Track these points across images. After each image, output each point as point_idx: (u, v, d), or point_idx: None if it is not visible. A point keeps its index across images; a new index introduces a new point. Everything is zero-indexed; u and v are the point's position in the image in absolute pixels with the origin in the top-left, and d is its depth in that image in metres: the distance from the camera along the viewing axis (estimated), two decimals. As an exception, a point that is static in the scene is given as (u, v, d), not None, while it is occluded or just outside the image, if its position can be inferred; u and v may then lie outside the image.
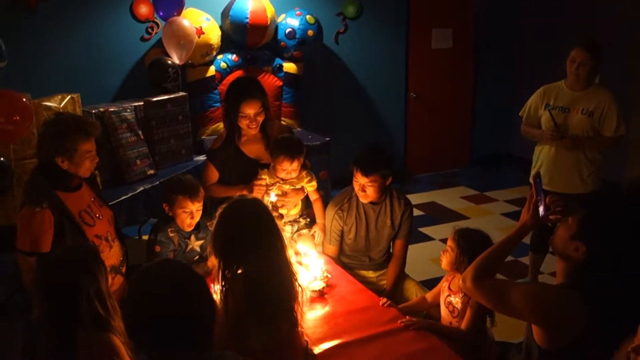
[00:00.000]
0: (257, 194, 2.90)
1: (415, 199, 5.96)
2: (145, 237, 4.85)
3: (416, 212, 5.56)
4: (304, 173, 3.10)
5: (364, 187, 2.81)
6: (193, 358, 1.22)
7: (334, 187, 5.30)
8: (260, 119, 3.04)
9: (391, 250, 3.09)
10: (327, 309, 2.45)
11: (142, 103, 4.23)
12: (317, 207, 3.20)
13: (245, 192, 2.92)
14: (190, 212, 2.67)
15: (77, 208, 2.44)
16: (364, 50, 6.10)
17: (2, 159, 2.97)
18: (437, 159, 6.88)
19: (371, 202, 2.93)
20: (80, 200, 2.48)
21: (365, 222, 2.95)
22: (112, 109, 3.97)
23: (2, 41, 3.13)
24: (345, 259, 3.06)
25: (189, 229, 2.73)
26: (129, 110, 4.09)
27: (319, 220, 3.17)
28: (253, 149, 3.15)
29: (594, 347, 1.80)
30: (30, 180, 2.45)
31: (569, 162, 3.49)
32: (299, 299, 1.94)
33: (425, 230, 5.15)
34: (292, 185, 3.05)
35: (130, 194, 3.80)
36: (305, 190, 3.13)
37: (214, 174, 3.17)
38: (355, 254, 3.03)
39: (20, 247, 2.38)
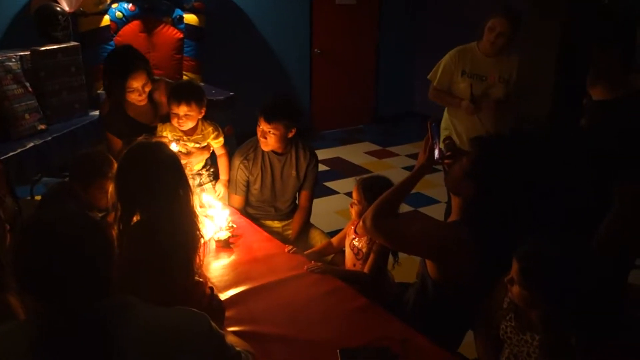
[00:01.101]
0: None
1: (320, 154, 5.94)
2: (39, 197, 4.61)
3: (321, 167, 5.62)
4: (210, 129, 3.03)
5: (265, 134, 2.79)
6: (87, 306, 1.17)
7: (238, 142, 5.23)
8: (148, 88, 2.93)
9: (297, 202, 3.12)
10: (232, 257, 2.45)
11: (29, 52, 3.93)
12: (222, 163, 3.15)
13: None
14: (106, 191, 2.48)
15: None
16: (267, 4, 6.00)
17: None
18: (342, 116, 6.99)
19: (276, 153, 2.93)
20: None
21: (271, 173, 2.96)
22: (-6, 58, 3.66)
23: None
24: (250, 210, 3.05)
25: (106, 206, 2.55)
26: (14, 60, 3.78)
27: (222, 176, 3.13)
28: (143, 116, 3.05)
29: (480, 280, 1.94)
30: None
31: (486, 129, 3.30)
32: (200, 249, 1.90)
33: (330, 184, 5.25)
34: (197, 143, 2.98)
35: (19, 150, 3.55)
36: (211, 148, 3.07)
37: (117, 142, 3.05)
38: (261, 205, 3.04)
39: None
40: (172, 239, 1.76)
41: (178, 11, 5.15)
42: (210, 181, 3.16)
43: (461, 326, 2.13)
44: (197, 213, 1.94)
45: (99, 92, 4.92)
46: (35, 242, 1.18)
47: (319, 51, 6.51)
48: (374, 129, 7.09)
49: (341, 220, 4.48)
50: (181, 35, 5.18)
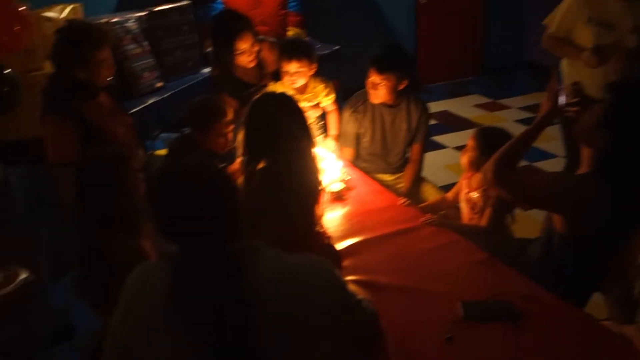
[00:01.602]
0: None
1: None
2: (158, 152, 4.88)
3: (430, 122, 5.49)
4: (321, 86, 3.02)
5: (376, 86, 2.73)
6: (217, 247, 1.21)
7: (344, 97, 5.20)
8: (256, 48, 2.94)
9: (407, 155, 3.05)
10: (346, 209, 2.45)
11: (145, 13, 4.09)
12: (332, 119, 3.14)
13: None
14: (225, 135, 2.56)
15: (98, 116, 2.40)
16: (372, -47, 5.82)
17: (10, 71, 2.89)
18: (449, 68, 6.71)
19: (387, 105, 2.86)
20: (100, 109, 2.44)
21: (381, 125, 2.90)
22: (114, 20, 3.85)
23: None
24: (361, 163, 3.03)
25: (223, 151, 2.60)
26: (132, 21, 3.96)
27: (332, 132, 3.13)
28: (250, 76, 3.09)
29: (613, 233, 1.80)
30: (48, 89, 2.40)
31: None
32: (321, 199, 1.92)
33: (438, 138, 5.10)
34: (309, 101, 2.99)
35: (140, 107, 3.75)
36: (322, 104, 3.07)
37: (231, 102, 3.05)
38: (371, 158, 3.00)
39: (50, 159, 2.36)
40: (295, 187, 1.79)
41: (283, -34, 5.12)
42: (321, 134, 3.17)
43: (589, 284, 2.00)
44: (318, 165, 1.95)
45: (209, 49, 5.07)
46: (171, 189, 1.23)
47: (424, 1, 6.25)
48: (482, 81, 6.76)
49: (451, 174, 4.35)
50: (286, -10, 5.17)
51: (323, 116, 3.23)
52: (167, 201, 1.24)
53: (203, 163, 1.32)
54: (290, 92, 2.91)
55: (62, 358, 2.58)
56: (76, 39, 2.29)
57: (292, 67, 2.85)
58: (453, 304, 1.76)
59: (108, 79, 2.43)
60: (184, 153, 2.60)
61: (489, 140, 2.32)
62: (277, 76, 3.05)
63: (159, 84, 4.06)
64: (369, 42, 5.72)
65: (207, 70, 4.49)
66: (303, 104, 2.95)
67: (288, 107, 1.89)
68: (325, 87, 3.02)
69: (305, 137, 1.88)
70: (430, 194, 2.92)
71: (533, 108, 5.64)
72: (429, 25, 6.39)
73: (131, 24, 3.94)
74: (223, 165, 2.52)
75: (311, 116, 3.07)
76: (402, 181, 3.01)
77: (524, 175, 1.86)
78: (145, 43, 4.01)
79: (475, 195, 2.38)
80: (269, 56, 3.04)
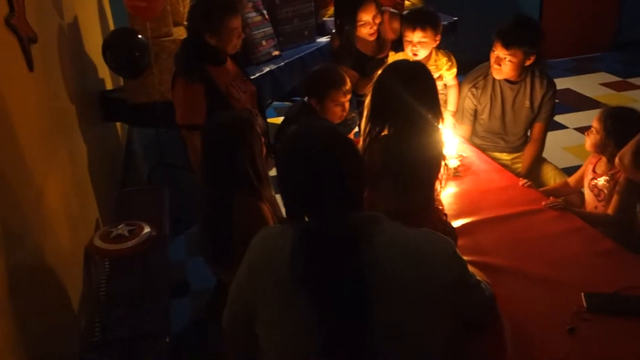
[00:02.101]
0: None
1: (548, 85, 5.55)
2: (271, 120, 5.00)
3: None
4: (444, 59, 2.94)
5: (500, 61, 2.59)
6: (342, 216, 1.22)
7: (460, 71, 5.02)
8: (378, 20, 2.90)
9: (528, 134, 2.90)
10: (462, 187, 2.38)
11: (266, -19, 4.15)
12: (452, 94, 3.04)
13: None
14: (342, 104, 2.58)
15: (224, 82, 2.49)
16: None
17: (140, 36, 3.06)
18: (576, 42, 6.26)
19: (509, 81, 2.72)
20: (227, 74, 2.52)
21: (501, 102, 2.77)
22: (238, -12, 3.94)
23: None
24: (477, 140, 2.92)
25: (339, 121, 2.63)
26: (253, -11, 4.04)
27: (450, 107, 3.03)
28: (370, 49, 3.06)
29: None
30: (180, 53, 2.52)
31: None
32: (441, 177, 1.88)
33: (558, 118, 4.79)
34: None
35: (257, 74, 3.84)
36: (443, 79, 2.98)
37: (352, 74, 3.08)
38: (488, 135, 2.88)
39: (179, 121, 2.49)
40: (418, 157, 1.77)
41: None
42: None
43: None
44: (443, 141, 1.91)
45: (324, 19, 5.07)
46: (301, 153, 1.25)
47: (553, -31, 5.85)
48: (612, 57, 6.25)
49: (569, 157, 4.11)
50: (405, -42, 5.03)
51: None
52: (295, 166, 1.26)
53: (332, 130, 1.33)
54: None
55: (179, 311, 2.75)
56: (211, 7, 2.38)
57: (416, 36, 2.78)
58: (575, 295, 1.67)
59: (237, 47, 2.50)
60: (299, 120, 2.66)
61: (617, 122, 2.15)
62: (397, 47, 3.00)
63: (276, 52, 4.13)
64: (489, 13, 5.54)
65: (322, 39, 4.51)
66: None
67: (421, 75, 1.84)
68: (448, 61, 2.93)
69: (434, 108, 1.83)
70: (551, 177, 2.76)
71: (669, 88, 5.17)
72: (555, -5, 5.98)
73: (253, -8, 4.02)
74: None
75: None
76: (521, 161, 2.87)
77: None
78: (265, 11, 4.09)
79: (601, 182, 2.22)
80: (388, 27, 3.00)
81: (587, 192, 2.30)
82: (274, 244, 1.26)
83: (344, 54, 3.08)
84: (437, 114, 1.81)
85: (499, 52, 2.58)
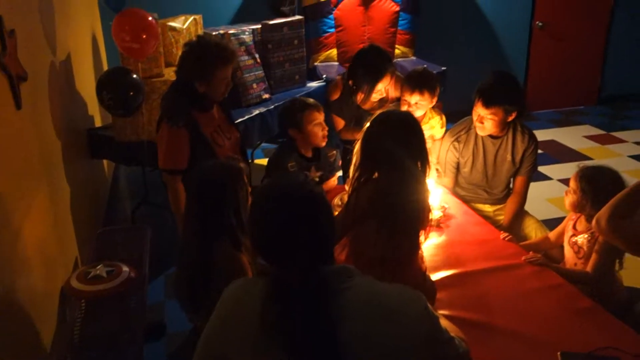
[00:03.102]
0: None
1: (533, 136, 5.65)
2: (258, 161, 5.03)
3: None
4: (437, 117, 3.01)
5: (482, 119, 2.65)
6: (311, 269, 1.22)
7: (448, 120, 5.10)
8: (389, 86, 3.01)
9: (511, 186, 2.93)
10: (443, 238, 2.39)
11: (259, 26, 4.24)
12: (437, 146, 3.08)
13: None
14: (320, 123, 2.66)
15: (210, 128, 2.50)
16: (488, -26, 5.70)
17: (135, 76, 3.09)
18: (561, 95, 6.42)
19: (492, 136, 2.76)
20: (212, 121, 2.54)
21: (483, 156, 2.80)
22: (231, 31, 4.01)
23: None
24: (460, 191, 2.95)
25: (324, 143, 2.72)
26: (247, 33, 4.11)
27: (432, 158, 3.08)
28: (369, 105, 3.12)
29: None
30: (168, 97, 2.52)
31: None
32: (427, 225, 1.89)
33: (542, 169, 4.87)
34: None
35: (246, 117, 3.88)
36: (434, 137, 3.06)
37: (340, 122, 3.24)
38: (471, 187, 2.91)
39: (161, 164, 2.49)
40: (404, 203, 1.78)
41: (396, -16, 5.13)
42: None
43: None
44: (429, 190, 1.92)
45: (316, 64, 5.17)
46: (270, 208, 1.25)
47: (540, 24, 6.02)
48: (597, 110, 6.40)
49: (553, 209, 4.15)
50: (397, 9, 5.17)
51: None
52: (265, 220, 1.26)
53: (303, 184, 1.33)
54: None
55: (153, 354, 2.70)
56: (204, 55, 2.39)
57: (414, 98, 2.86)
58: (551, 353, 1.66)
59: (224, 95, 2.53)
60: (284, 159, 2.69)
61: (592, 182, 2.18)
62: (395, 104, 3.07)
63: (266, 96, 4.19)
64: (477, 64, 5.68)
65: (313, 84, 4.60)
66: None
67: (411, 126, 1.88)
68: (440, 120, 2.99)
69: (422, 157, 1.86)
70: (532, 230, 2.78)
71: (652, 144, 5.27)
72: (543, 48, 6.15)
73: (246, 36, 4.09)
74: (321, 174, 2.58)
75: None
76: (503, 213, 2.89)
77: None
78: (257, 55, 4.16)
79: (581, 239, 2.24)
80: (393, 87, 3.10)
81: (567, 248, 2.32)
82: (245, 296, 1.26)
83: (341, 106, 3.14)
84: (425, 163, 1.84)
85: (480, 110, 2.63)
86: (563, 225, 2.40)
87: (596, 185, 2.15)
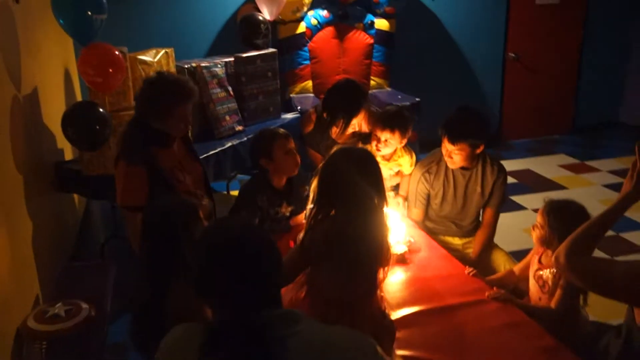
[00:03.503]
0: None
1: (509, 165, 5.61)
2: (234, 193, 4.98)
3: (509, 180, 5.26)
4: (407, 157, 3.04)
5: (450, 153, 2.66)
6: (254, 313, 1.18)
7: (422, 149, 5.13)
8: (363, 122, 3.05)
9: (480, 219, 2.93)
10: (408, 274, 2.37)
11: (232, 59, 4.25)
12: (405, 180, 3.10)
13: None
14: (291, 150, 2.62)
15: (169, 164, 2.46)
16: (460, 6, 5.79)
17: (101, 110, 3.06)
18: (536, 124, 6.48)
19: (461, 167, 2.77)
20: (172, 157, 2.50)
21: (453, 188, 2.81)
22: (203, 64, 4.02)
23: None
24: (429, 223, 2.94)
25: (296, 170, 2.68)
26: (219, 66, 4.12)
27: (402, 192, 3.11)
28: (343, 139, 3.13)
29: None
30: (126, 134, 2.48)
31: None
32: (385, 263, 1.87)
33: (517, 198, 4.90)
34: (391, 169, 3.02)
35: (218, 149, 3.86)
36: (402, 173, 3.08)
37: (317, 157, 3.23)
38: (441, 220, 2.91)
39: (119, 202, 2.45)
40: (361, 242, 1.75)
41: (370, 16, 5.20)
42: (393, 190, 3.12)
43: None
44: (388, 226, 1.90)
45: (292, 95, 5.19)
46: (207, 249, 1.22)
47: (513, 55, 6.11)
48: (571, 139, 6.47)
49: (527, 239, 4.08)
50: (371, 41, 5.23)
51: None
52: (207, 258, 1.23)
53: (247, 226, 1.31)
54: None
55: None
56: (160, 93, 2.35)
57: (384, 135, 2.87)
58: (513, 394, 1.63)
59: (183, 132, 2.50)
60: (253, 194, 2.66)
61: (559, 217, 2.17)
62: (366, 139, 3.07)
63: (239, 128, 4.18)
64: (451, 94, 5.74)
65: (288, 115, 4.61)
66: (383, 171, 2.94)
67: (367, 163, 1.87)
68: (410, 158, 3.02)
69: (379, 194, 1.84)
70: (501, 263, 2.77)
71: (625, 172, 5.31)
72: (517, 78, 6.23)
73: (218, 69, 4.10)
74: (292, 209, 2.56)
75: (388, 183, 3.06)
76: (472, 246, 2.88)
77: (602, 263, 1.70)
78: (230, 88, 4.16)
79: (546, 273, 2.23)
80: (365, 122, 3.11)
81: (532, 282, 2.30)
82: (183, 346, 1.22)
83: (315, 139, 3.14)
84: (382, 199, 1.82)
85: (447, 146, 2.65)
86: (528, 259, 2.39)
87: (563, 220, 2.14)
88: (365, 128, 3.13)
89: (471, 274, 2.32)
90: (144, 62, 3.61)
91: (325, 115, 3.02)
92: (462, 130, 2.59)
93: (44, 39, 3.29)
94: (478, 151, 2.67)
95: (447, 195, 2.82)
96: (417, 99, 4.92)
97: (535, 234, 2.26)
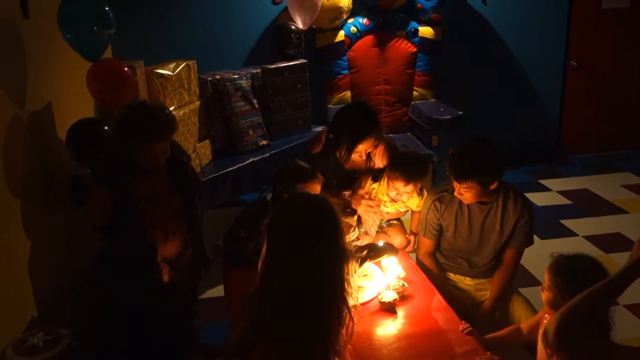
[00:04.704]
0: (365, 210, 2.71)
1: (564, 184, 5.22)
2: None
3: (561, 201, 4.86)
4: (417, 199, 2.73)
5: (460, 190, 2.38)
6: None
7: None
8: (371, 149, 2.73)
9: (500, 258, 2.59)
10: (395, 327, 2.10)
11: (259, 70, 4.12)
12: (415, 217, 2.81)
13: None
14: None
15: (142, 192, 2.35)
16: (515, 11, 5.35)
17: (106, 127, 3.00)
18: (600, 138, 5.92)
19: (479, 202, 2.47)
20: (148, 185, 2.37)
21: (468, 222, 2.51)
22: (227, 76, 3.91)
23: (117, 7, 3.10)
24: (440, 257, 2.66)
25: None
26: (244, 78, 4.00)
27: (412, 228, 2.84)
28: (352, 164, 2.85)
29: None
30: (102, 152, 2.46)
31: None
32: (346, 324, 1.64)
33: (568, 223, 4.45)
34: (400, 209, 2.78)
35: (238, 165, 3.73)
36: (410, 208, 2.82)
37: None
38: (452, 255, 2.61)
39: (87, 219, 2.43)
40: (314, 303, 1.56)
41: (413, 24, 4.92)
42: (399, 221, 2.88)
43: None
44: (351, 284, 1.68)
45: (329, 106, 4.99)
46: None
47: (575, 63, 5.62)
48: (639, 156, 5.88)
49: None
50: (414, 49, 4.95)
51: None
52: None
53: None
54: (386, 198, 2.70)
55: None
56: (129, 126, 2.26)
57: (405, 189, 2.62)
58: None
59: (159, 164, 2.36)
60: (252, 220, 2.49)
61: (566, 277, 1.84)
62: (377, 175, 2.82)
63: (263, 142, 4.04)
64: (504, 107, 5.34)
65: (318, 128, 4.40)
66: (391, 209, 2.73)
67: (319, 211, 1.65)
68: (420, 199, 2.72)
69: (336, 247, 1.62)
70: (518, 311, 2.45)
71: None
72: (578, 89, 5.73)
73: (243, 81, 3.98)
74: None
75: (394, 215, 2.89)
76: (485, 288, 2.58)
77: (600, 347, 1.41)
78: (255, 100, 4.02)
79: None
80: (379, 158, 2.83)
81: (539, 346, 1.98)
82: None
83: (320, 161, 2.87)
84: (336, 256, 1.60)
85: (454, 185, 2.38)
86: (539, 317, 2.07)
87: (571, 281, 1.82)
88: (379, 163, 2.84)
89: (466, 331, 2.04)
90: (161, 76, 3.53)
91: (331, 136, 2.79)
92: (467, 168, 2.30)
93: (57, 53, 3.26)
94: (492, 187, 2.37)
95: (460, 230, 2.53)
96: (459, 113, 4.60)
97: (544, 296, 1.94)
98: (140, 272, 1.77)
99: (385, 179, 2.69)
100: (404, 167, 2.59)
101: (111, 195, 2.30)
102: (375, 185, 2.72)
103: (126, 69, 3.05)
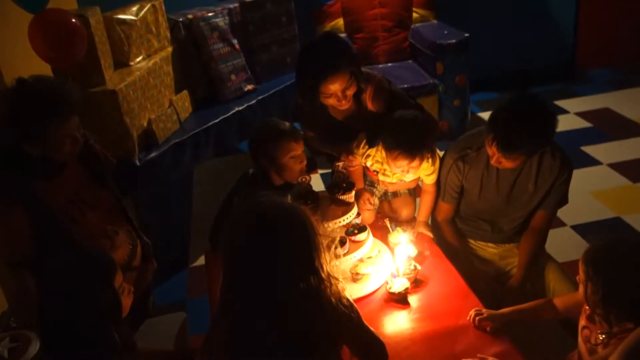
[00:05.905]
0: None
1: (582, 103, 4.79)
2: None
3: (580, 124, 4.44)
4: (426, 165, 2.19)
5: (500, 159, 1.96)
6: None
7: (473, 92, 4.36)
8: (351, 92, 2.19)
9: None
10: (407, 320, 1.76)
11: (237, 5, 3.63)
12: (425, 202, 2.34)
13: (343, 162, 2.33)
14: (299, 156, 2.11)
15: (61, 200, 1.87)
16: None
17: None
18: (619, 49, 5.36)
19: None
20: (64, 189, 1.89)
21: (496, 183, 2.11)
22: (200, 15, 3.43)
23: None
24: (460, 222, 2.30)
25: (298, 180, 2.16)
26: (221, 16, 3.53)
27: (420, 218, 2.35)
28: (343, 113, 2.35)
29: None
30: None
31: None
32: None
33: (589, 149, 4.05)
34: (401, 179, 2.29)
35: (221, 117, 3.33)
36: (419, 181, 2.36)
37: (307, 133, 2.52)
38: (474, 218, 2.25)
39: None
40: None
41: None
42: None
43: None
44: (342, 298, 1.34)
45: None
46: None
47: (592, -34, 5.02)
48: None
49: (598, 206, 3.39)
50: (412, -36, 4.39)
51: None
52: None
53: None
54: (383, 167, 2.24)
55: None
56: (24, 112, 1.74)
57: (414, 163, 2.11)
58: None
59: (73, 152, 1.88)
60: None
61: (601, 268, 1.49)
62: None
63: (249, 87, 3.63)
64: (511, 27, 4.81)
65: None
66: (392, 178, 2.29)
67: (279, 227, 1.29)
68: (431, 165, 2.21)
69: (305, 259, 1.29)
70: (551, 280, 2.11)
71: None
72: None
73: (219, 20, 3.51)
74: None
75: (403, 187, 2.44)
76: (512, 255, 2.23)
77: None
78: (235, 41, 3.56)
79: (592, 335, 1.57)
80: (369, 102, 2.31)
81: (580, 340, 1.64)
82: None
83: (310, 112, 2.42)
84: (308, 269, 1.28)
85: (495, 152, 1.94)
86: (577, 298, 1.69)
87: (608, 273, 1.47)
88: (370, 106, 2.32)
89: (476, 319, 1.70)
90: (123, 22, 3.05)
91: (296, 85, 2.31)
92: (518, 141, 1.87)
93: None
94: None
95: (486, 192, 2.14)
96: (465, 35, 4.12)
97: (581, 288, 1.58)
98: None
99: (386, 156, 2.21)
100: (403, 143, 2.07)
101: (27, 214, 1.79)
102: (371, 152, 2.25)
103: (73, 20, 2.59)
